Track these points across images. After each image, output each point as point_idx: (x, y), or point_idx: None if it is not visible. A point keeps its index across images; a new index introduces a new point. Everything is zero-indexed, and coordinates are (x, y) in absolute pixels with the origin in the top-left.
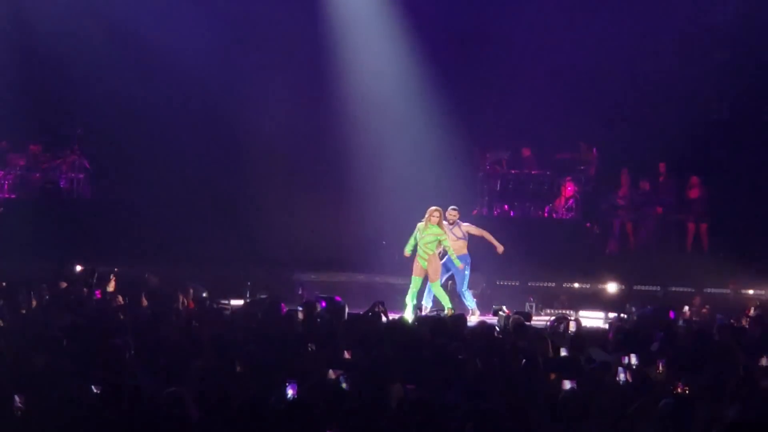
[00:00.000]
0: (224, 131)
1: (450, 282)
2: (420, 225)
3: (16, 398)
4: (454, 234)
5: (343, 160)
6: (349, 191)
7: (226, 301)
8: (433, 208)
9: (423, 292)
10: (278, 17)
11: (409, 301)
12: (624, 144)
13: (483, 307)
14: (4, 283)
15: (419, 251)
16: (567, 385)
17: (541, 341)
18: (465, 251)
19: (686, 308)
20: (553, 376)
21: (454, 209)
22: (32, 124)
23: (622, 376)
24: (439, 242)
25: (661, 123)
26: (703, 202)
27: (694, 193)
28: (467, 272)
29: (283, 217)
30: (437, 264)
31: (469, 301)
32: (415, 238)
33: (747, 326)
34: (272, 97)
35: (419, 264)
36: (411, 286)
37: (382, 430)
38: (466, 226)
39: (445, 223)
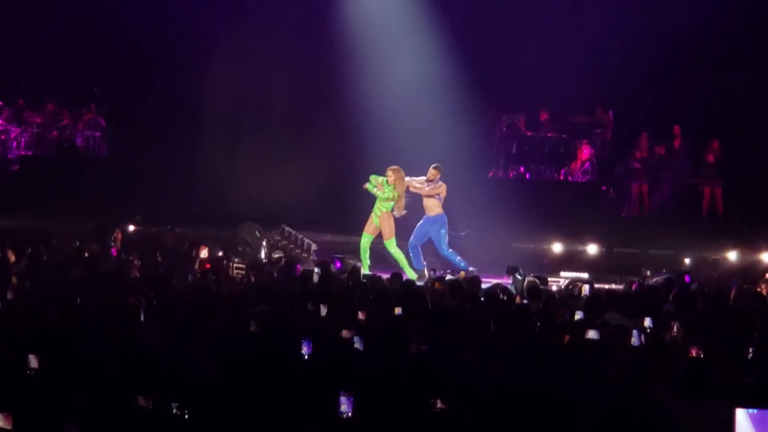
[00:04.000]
0: (238, 88)
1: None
2: (382, 180)
3: (31, 358)
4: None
5: (358, 121)
6: (364, 154)
7: (241, 261)
8: (392, 167)
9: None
10: None
11: (365, 259)
12: (641, 107)
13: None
14: (19, 240)
15: (375, 207)
16: (591, 334)
17: (557, 304)
18: (440, 210)
19: (687, 261)
20: (567, 337)
21: (435, 168)
22: (49, 82)
23: (635, 340)
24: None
25: (677, 86)
26: (719, 166)
27: (712, 158)
28: (443, 231)
29: (300, 177)
30: (391, 222)
31: (457, 261)
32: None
33: (763, 292)
34: (282, 56)
35: (372, 220)
36: (363, 243)
37: (395, 390)
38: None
39: (422, 178)
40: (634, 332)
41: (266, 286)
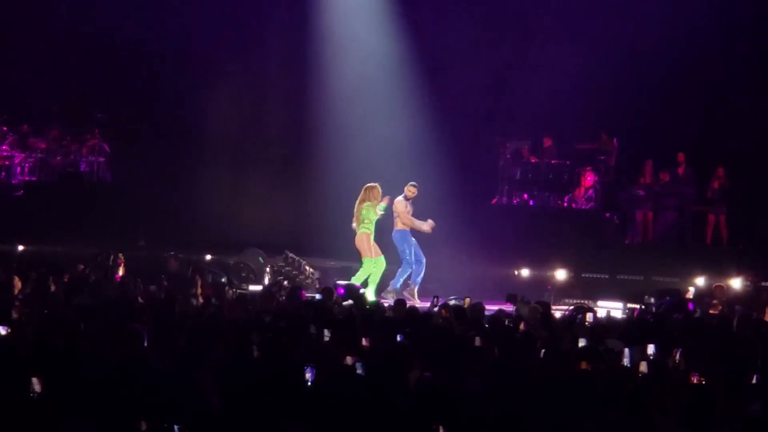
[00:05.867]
0: (242, 114)
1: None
2: (370, 204)
3: (34, 381)
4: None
5: (362, 148)
6: (367, 181)
7: (245, 287)
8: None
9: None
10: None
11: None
12: (645, 135)
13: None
14: (23, 265)
15: (372, 229)
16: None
17: (564, 331)
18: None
19: (691, 289)
20: (585, 365)
21: (414, 185)
22: (53, 108)
23: (626, 360)
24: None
25: (682, 114)
26: (724, 193)
27: (717, 184)
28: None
29: (304, 204)
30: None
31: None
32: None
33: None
34: (287, 83)
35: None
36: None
37: (398, 417)
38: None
39: (401, 197)
40: (626, 351)
41: (270, 313)
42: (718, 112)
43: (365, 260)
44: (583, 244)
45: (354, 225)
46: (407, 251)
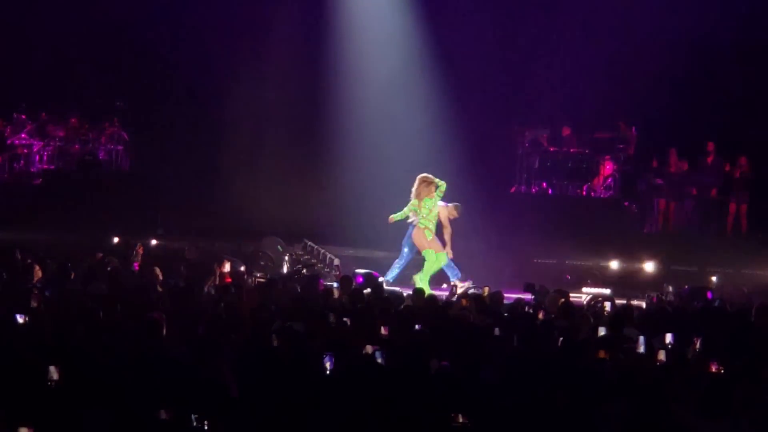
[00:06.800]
0: (260, 102)
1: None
2: (430, 199)
3: (52, 369)
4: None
5: (381, 136)
6: (386, 169)
7: (264, 275)
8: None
9: None
10: None
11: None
12: (664, 123)
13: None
14: (41, 254)
15: (428, 224)
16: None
17: (584, 319)
18: None
19: (714, 278)
20: (603, 354)
21: (458, 207)
22: (72, 96)
23: (641, 348)
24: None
25: (702, 103)
26: (746, 183)
27: (739, 173)
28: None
29: (322, 192)
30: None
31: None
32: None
33: None
34: (304, 71)
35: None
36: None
37: (417, 405)
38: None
39: (441, 203)
40: (641, 339)
41: (289, 301)
42: (739, 101)
43: (426, 252)
44: (602, 233)
45: (412, 218)
46: (414, 251)
